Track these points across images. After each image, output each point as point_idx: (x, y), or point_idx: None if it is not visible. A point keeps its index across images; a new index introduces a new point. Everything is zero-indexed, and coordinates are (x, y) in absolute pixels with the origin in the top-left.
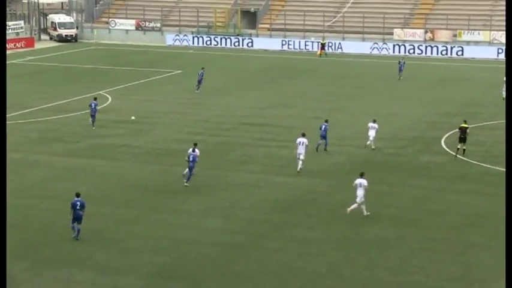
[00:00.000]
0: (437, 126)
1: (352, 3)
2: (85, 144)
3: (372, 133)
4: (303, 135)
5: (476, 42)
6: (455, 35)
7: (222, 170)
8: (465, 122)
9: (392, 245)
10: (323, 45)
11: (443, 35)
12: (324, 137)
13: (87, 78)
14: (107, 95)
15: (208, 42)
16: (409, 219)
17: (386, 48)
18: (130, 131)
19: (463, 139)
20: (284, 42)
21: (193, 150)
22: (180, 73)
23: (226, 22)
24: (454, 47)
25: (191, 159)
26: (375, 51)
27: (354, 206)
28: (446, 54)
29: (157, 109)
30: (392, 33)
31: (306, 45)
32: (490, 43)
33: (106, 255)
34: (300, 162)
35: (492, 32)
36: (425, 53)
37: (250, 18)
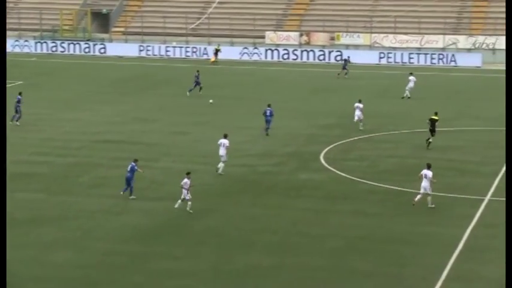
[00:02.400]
0: (315, 140)
1: (219, 3)
2: None
3: (358, 113)
4: (225, 136)
5: (356, 46)
6: (333, 38)
7: (72, 195)
8: (436, 114)
9: (268, 274)
10: (217, 52)
11: (320, 38)
12: (269, 121)
13: None
14: None
15: (54, 49)
16: (286, 245)
17: (257, 53)
18: None
19: (432, 131)
20: (142, 48)
21: (134, 161)
22: (21, 84)
23: (74, 25)
24: (332, 51)
25: (129, 169)
26: (245, 57)
27: (419, 197)
28: (324, 59)
29: None
30: (264, 37)
31: (167, 51)
32: (371, 47)
33: None
34: (222, 165)
35: (373, 35)
36: (301, 58)
37: (102, 20)
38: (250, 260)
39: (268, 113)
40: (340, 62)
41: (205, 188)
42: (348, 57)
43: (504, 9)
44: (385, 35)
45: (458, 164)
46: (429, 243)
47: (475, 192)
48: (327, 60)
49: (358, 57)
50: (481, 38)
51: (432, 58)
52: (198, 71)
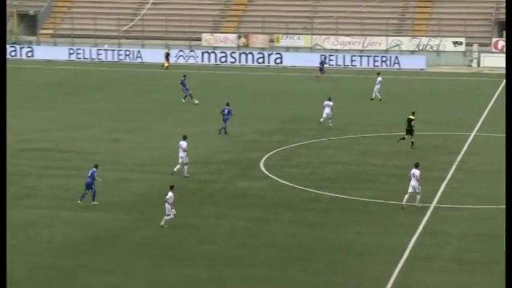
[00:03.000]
0: (255, 146)
1: (153, 4)
2: None
3: (327, 111)
4: (184, 138)
5: (296, 48)
6: (272, 40)
7: None
8: (413, 113)
9: (207, 287)
10: (168, 56)
11: (259, 40)
12: (226, 120)
13: None
14: None
15: None
16: (226, 257)
17: (194, 56)
18: None
19: (409, 131)
20: (72, 51)
21: (95, 166)
22: None
23: None
24: (271, 54)
25: (89, 174)
26: (181, 60)
27: (407, 197)
28: (263, 62)
29: None
30: (200, 39)
31: (98, 54)
32: (311, 49)
33: None
34: (183, 167)
35: (314, 37)
36: (239, 61)
37: (29, 22)
38: (187, 272)
39: (226, 112)
40: (278, 65)
41: (141, 197)
42: (324, 57)
43: (448, 10)
44: (326, 36)
45: (403, 170)
46: (375, 252)
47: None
48: (266, 63)
49: (298, 60)
50: (424, 40)
51: (375, 60)
52: (184, 76)
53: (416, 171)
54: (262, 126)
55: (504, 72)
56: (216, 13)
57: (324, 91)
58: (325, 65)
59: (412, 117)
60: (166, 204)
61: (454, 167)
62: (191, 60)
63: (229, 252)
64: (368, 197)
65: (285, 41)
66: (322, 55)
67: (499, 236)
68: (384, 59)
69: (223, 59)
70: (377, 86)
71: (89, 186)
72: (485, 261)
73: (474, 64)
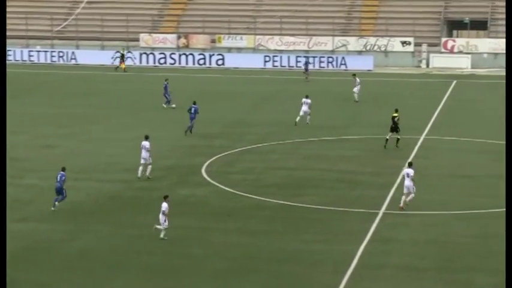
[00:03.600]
0: (196, 151)
1: (87, 3)
2: None
3: (304, 108)
4: (146, 137)
5: (239, 49)
6: (214, 41)
7: None
8: (396, 110)
9: None
10: (123, 57)
11: (199, 41)
12: (192, 119)
13: None
14: None
15: None
16: (165, 267)
17: (131, 58)
18: None
19: (394, 128)
20: None
21: (62, 169)
22: None
23: None
24: (213, 55)
25: (58, 178)
26: (118, 62)
27: (404, 198)
28: (205, 63)
29: None
30: (138, 39)
31: (30, 55)
32: (254, 50)
33: None
34: (147, 168)
35: (257, 37)
36: (179, 62)
37: None
38: (127, 284)
39: (193, 110)
40: (220, 67)
41: (76, 207)
42: (307, 58)
43: (396, 9)
44: (270, 36)
45: (349, 175)
46: (322, 261)
47: (368, 206)
48: (207, 64)
49: (241, 61)
50: (372, 40)
51: (321, 61)
52: (166, 80)
53: (410, 171)
54: (204, 131)
55: (454, 73)
56: (154, 12)
57: (268, 93)
58: (310, 65)
59: (396, 115)
60: (161, 215)
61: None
62: (129, 62)
63: (169, 262)
64: (315, 203)
65: (227, 42)
66: (305, 56)
67: (450, 243)
68: (330, 59)
69: (162, 60)
70: (356, 88)
71: (59, 191)
72: (435, 269)
73: (423, 65)
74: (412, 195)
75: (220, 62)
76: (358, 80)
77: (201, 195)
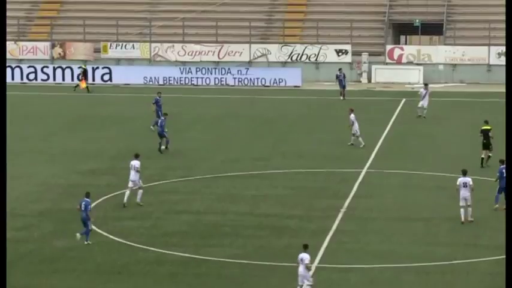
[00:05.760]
0: (76, 192)
1: None
2: None
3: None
4: (136, 156)
5: (130, 61)
6: (97, 50)
7: None
8: (486, 122)
9: None
10: (85, 72)
11: (79, 50)
12: (161, 134)
13: None
14: None
15: None
16: None
17: None
18: None
19: (486, 145)
20: None
21: (87, 197)
22: None
23: None
24: (97, 68)
25: (83, 207)
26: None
27: (463, 211)
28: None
29: None
30: None
31: None
32: (150, 61)
33: None
34: (138, 191)
35: (153, 45)
36: (54, 78)
37: None
38: None
39: (159, 123)
40: (106, 83)
41: None
42: (340, 69)
43: (328, 10)
44: (169, 44)
45: (274, 220)
46: None
47: (297, 259)
48: (90, 80)
49: (133, 77)
50: (299, 48)
51: (234, 75)
52: (159, 93)
53: (468, 180)
54: (86, 165)
55: (402, 89)
56: (21, 14)
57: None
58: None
59: (488, 127)
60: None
61: (340, 215)
62: None
63: None
64: (228, 256)
65: (115, 51)
66: (339, 68)
67: None
68: (247, 73)
69: (31, 76)
70: (424, 100)
71: (84, 221)
72: None
73: (364, 79)
74: (470, 209)
75: (106, 77)
76: (424, 91)
77: (83, 248)
